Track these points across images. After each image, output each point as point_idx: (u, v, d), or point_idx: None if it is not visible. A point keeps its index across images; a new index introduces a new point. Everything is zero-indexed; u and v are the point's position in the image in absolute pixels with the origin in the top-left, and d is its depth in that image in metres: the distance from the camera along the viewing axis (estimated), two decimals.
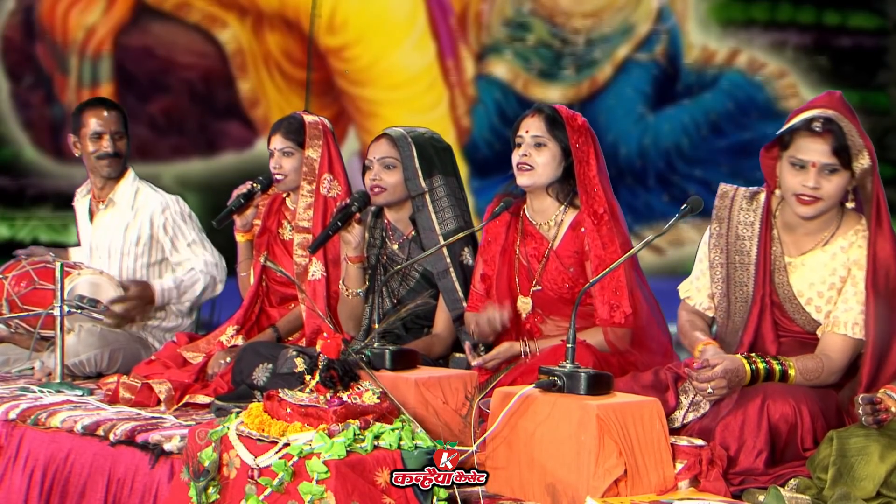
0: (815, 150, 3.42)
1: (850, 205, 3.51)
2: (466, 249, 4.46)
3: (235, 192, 4.94)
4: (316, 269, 4.72)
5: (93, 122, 5.28)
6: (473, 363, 4.08)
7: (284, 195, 4.95)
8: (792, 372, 3.43)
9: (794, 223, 3.56)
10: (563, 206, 4.15)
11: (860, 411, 3.18)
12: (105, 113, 5.33)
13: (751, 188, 3.68)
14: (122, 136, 5.31)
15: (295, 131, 4.81)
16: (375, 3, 10.09)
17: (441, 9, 10.00)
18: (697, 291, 3.74)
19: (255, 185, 4.93)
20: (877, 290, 3.41)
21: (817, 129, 3.42)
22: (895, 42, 10.12)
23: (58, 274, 4.63)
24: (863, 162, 3.44)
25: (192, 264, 5.24)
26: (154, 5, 9.48)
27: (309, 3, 9.61)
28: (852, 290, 3.47)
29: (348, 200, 4.44)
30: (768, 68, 10.08)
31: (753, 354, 3.45)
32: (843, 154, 3.41)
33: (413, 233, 4.52)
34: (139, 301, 5.13)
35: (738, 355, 3.43)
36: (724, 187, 3.70)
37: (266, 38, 9.68)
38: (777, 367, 3.43)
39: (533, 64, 10.08)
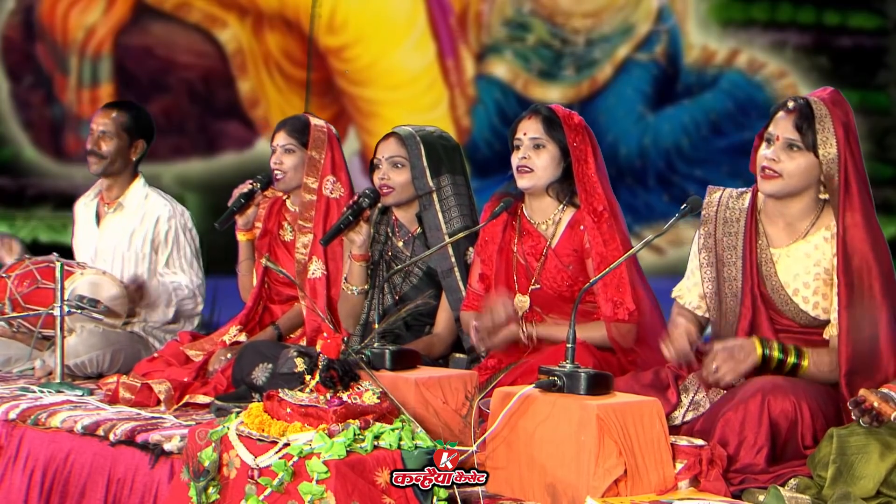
0: (781, 125, 3.52)
1: (822, 195, 3.53)
2: (471, 249, 4.45)
3: (236, 192, 4.92)
4: (316, 268, 4.72)
5: (93, 120, 5.32)
6: (474, 338, 4.05)
7: (284, 197, 4.94)
8: (805, 363, 3.45)
9: (774, 215, 3.60)
10: (561, 206, 4.15)
11: (853, 417, 3.19)
12: (102, 112, 5.36)
13: (738, 189, 3.73)
14: (112, 137, 5.29)
15: (299, 130, 4.80)
16: (375, 3, 10.08)
17: (441, 9, 9.99)
18: (688, 290, 3.79)
19: (255, 183, 4.90)
20: (849, 278, 3.45)
21: (789, 106, 3.53)
22: (895, 42, 10.12)
23: (58, 274, 4.63)
24: (830, 150, 3.47)
25: (178, 279, 5.26)
26: (154, 5, 9.48)
27: (309, 3, 9.60)
28: None
29: (358, 196, 4.43)
30: (768, 68, 10.06)
31: (773, 341, 3.46)
32: (806, 132, 3.47)
33: (419, 230, 4.52)
34: (135, 296, 5.15)
35: (754, 337, 3.44)
36: (711, 189, 3.75)
37: (266, 38, 9.67)
38: (792, 351, 3.45)
39: (533, 64, 10.07)
